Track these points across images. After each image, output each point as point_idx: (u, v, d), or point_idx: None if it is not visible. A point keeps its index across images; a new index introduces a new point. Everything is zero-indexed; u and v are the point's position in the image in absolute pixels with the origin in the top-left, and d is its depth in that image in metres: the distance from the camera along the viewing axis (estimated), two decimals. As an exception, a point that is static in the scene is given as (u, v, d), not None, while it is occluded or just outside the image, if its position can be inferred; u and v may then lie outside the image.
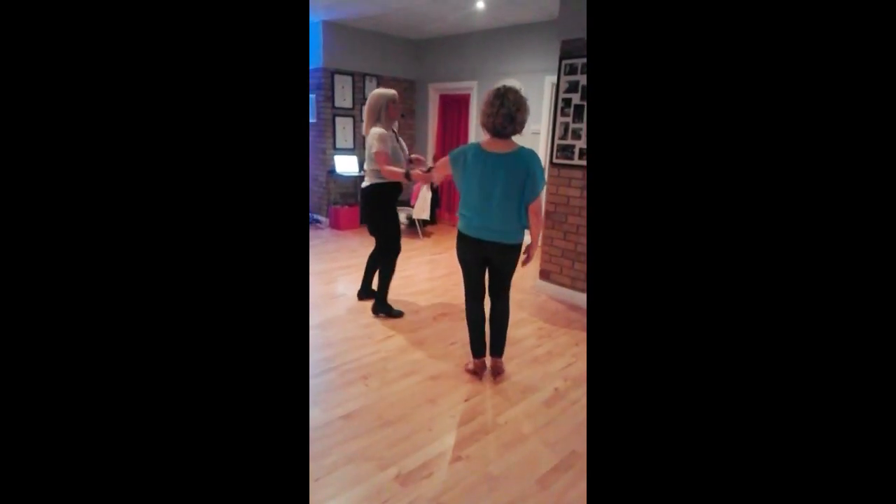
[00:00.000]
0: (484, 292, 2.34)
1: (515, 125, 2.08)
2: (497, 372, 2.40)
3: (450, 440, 1.93)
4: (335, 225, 5.82)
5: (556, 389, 2.34)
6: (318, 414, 2.05)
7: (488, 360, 2.43)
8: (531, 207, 2.12)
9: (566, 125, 3.44)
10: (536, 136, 5.13)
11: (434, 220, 6.14)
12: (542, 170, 2.11)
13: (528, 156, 2.09)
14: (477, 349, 2.39)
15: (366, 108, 2.92)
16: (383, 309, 3.11)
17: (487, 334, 2.39)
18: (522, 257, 2.23)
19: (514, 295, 3.70)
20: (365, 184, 2.98)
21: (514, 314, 3.32)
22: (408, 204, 5.65)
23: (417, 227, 5.70)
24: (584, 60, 3.28)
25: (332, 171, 5.79)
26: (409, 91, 6.28)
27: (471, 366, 2.43)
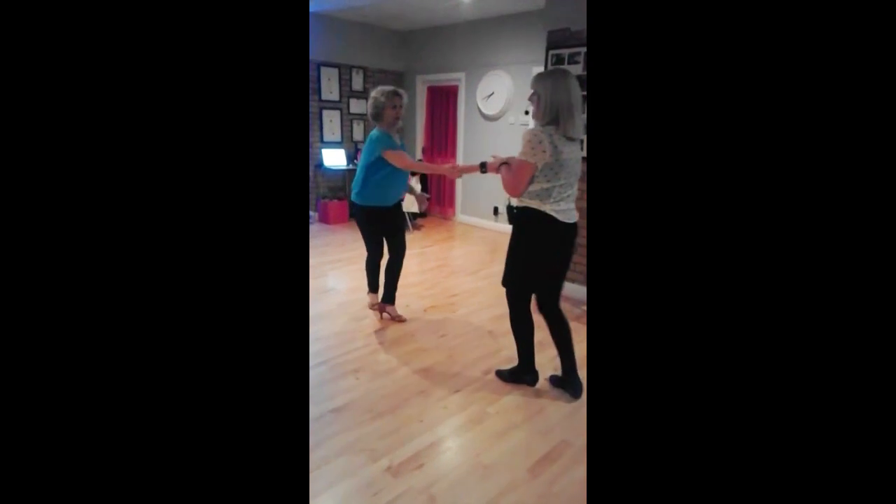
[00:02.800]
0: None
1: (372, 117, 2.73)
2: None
3: (441, 431, 1.94)
4: (324, 219, 5.78)
5: (546, 379, 2.36)
6: (309, 407, 2.05)
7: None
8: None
9: (554, 116, 3.44)
10: (525, 126, 5.13)
11: (424, 213, 6.13)
12: (374, 141, 2.64)
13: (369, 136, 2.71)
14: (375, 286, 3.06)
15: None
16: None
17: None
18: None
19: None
20: None
21: (504, 305, 3.29)
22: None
23: (407, 221, 5.68)
24: (571, 51, 3.28)
25: (320, 165, 5.75)
26: (397, 83, 6.23)
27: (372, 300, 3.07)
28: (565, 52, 3.31)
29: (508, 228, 5.97)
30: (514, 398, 2.19)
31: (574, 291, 3.53)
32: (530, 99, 2.02)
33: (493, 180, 5.62)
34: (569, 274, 3.50)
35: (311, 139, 5.72)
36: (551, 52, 3.38)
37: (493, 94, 5.35)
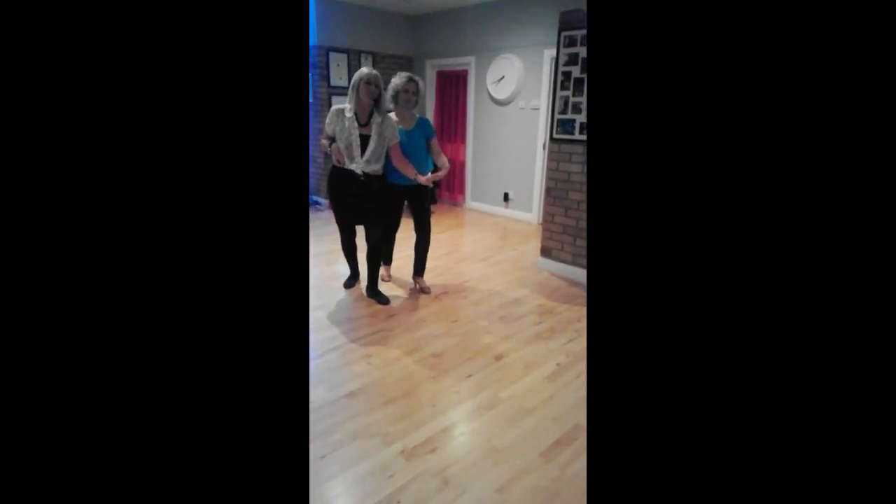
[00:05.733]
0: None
1: None
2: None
3: (454, 416, 1.95)
4: (335, 206, 5.79)
5: (557, 365, 2.36)
6: (322, 392, 2.07)
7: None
8: None
9: (566, 99, 3.39)
10: (536, 111, 5.07)
11: (434, 199, 6.11)
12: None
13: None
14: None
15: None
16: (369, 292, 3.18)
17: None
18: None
19: (515, 272, 3.73)
20: None
21: (516, 291, 3.34)
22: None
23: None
24: (584, 32, 3.21)
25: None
26: (406, 68, 6.17)
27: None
28: (578, 33, 3.24)
29: (519, 214, 5.89)
30: (526, 384, 2.19)
31: (585, 277, 3.51)
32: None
33: (503, 167, 5.58)
34: (578, 260, 3.52)
35: (321, 126, 5.70)
36: (564, 34, 3.32)
37: (503, 78, 5.28)
